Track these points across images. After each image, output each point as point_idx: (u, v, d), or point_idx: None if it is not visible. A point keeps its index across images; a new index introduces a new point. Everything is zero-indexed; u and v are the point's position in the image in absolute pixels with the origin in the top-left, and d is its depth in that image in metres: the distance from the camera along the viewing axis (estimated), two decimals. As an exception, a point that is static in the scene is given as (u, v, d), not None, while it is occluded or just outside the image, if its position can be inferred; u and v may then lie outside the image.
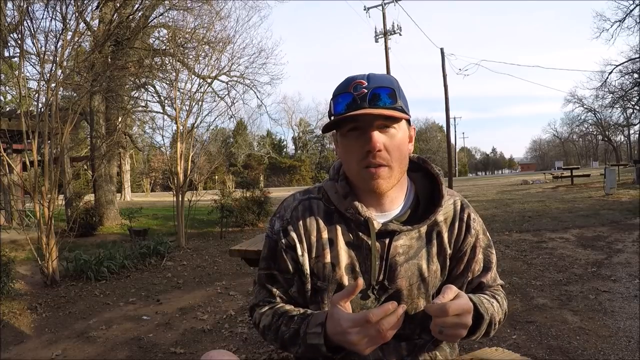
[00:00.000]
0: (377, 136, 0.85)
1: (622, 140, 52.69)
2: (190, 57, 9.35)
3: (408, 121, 0.93)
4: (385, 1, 20.79)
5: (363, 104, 0.85)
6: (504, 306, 0.99)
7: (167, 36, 10.56)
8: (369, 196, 0.94)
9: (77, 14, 5.39)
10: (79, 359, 2.82)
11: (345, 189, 0.96)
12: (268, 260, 1.00)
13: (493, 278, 1.02)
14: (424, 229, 0.97)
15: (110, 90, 8.70)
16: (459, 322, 0.77)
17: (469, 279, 1.00)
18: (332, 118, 0.89)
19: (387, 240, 0.94)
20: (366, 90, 0.85)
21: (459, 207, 1.01)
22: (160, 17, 10.12)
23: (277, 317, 0.94)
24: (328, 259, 0.95)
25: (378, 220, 0.94)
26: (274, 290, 0.99)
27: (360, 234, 0.95)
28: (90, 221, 8.43)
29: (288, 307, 0.97)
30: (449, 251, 0.98)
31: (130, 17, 9.10)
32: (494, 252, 1.03)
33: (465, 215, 1.00)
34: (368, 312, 0.74)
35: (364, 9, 21.37)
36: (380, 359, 0.95)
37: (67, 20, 5.18)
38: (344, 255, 0.95)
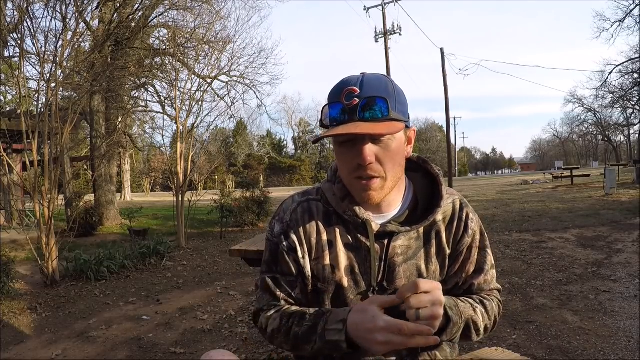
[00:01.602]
0: (369, 149, 0.83)
1: (622, 140, 52.72)
2: (190, 57, 9.35)
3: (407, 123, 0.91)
4: (385, 1, 20.80)
5: (353, 116, 0.82)
6: (494, 311, 0.96)
7: (167, 36, 10.56)
8: None
9: (77, 14, 5.40)
10: (79, 359, 2.82)
11: (342, 192, 0.95)
12: (270, 264, 1.00)
13: (487, 281, 0.99)
14: (422, 229, 0.96)
15: (110, 90, 8.71)
16: (433, 299, 0.77)
17: (462, 279, 0.99)
18: (323, 128, 0.88)
19: (385, 241, 0.93)
20: (357, 100, 0.82)
21: (458, 206, 1.00)
22: (160, 17, 10.12)
23: (286, 319, 0.92)
24: (327, 260, 0.95)
25: (376, 221, 0.94)
26: (278, 293, 0.97)
27: (359, 235, 0.94)
28: (90, 221, 8.43)
29: (294, 308, 0.96)
30: (447, 251, 0.98)
31: (130, 17, 9.10)
32: (490, 254, 1.01)
33: (464, 215, 0.99)
34: (404, 323, 0.75)
35: (364, 9, 21.40)
36: (379, 358, 0.95)
37: (67, 20, 5.18)
38: (343, 257, 0.95)
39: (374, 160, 0.85)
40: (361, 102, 0.83)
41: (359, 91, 0.83)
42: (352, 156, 0.85)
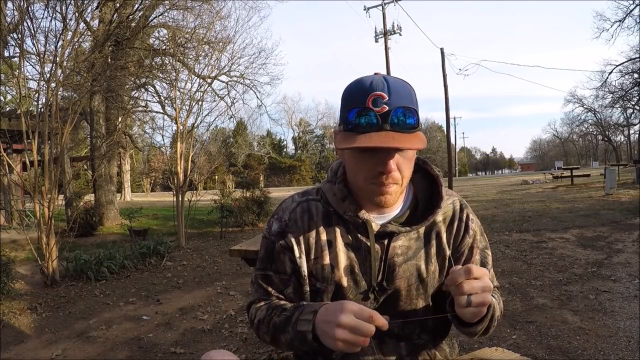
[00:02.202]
0: (393, 160, 0.83)
1: (622, 140, 52.73)
2: (190, 57, 9.35)
3: None
4: (385, 1, 20.78)
5: (384, 125, 0.79)
6: (500, 305, 0.98)
7: (167, 36, 10.56)
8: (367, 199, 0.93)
9: (77, 14, 5.39)
10: (79, 359, 2.82)
11: (343, 192, 0.95)
12: (264, 261, 1.00)
13: (490, 279, 1.01)
14: (422, 229, 0.96)
15: (110, 90, 8.71)
16: (483, 285, 0.76)
17: None
18: (345, 131, 0.84)
19: (385, 242, 0.94)
20: (387, 107, 0.80)
21: (458, 207, 1.00)
22: (160, 17, 10.12)
23: (270, 310, 0.94)
24: (327, 260, 0.95)
25: (377, 221, 0.94)
26: (270, 289, 0.99)
27: (359, 235, 0.95)
28: (90, 221, 8.43)
29: (283, 302, 0.97)
30: (448, 252, 0.98)
31: (130, 17, 9.10)
32: (490, 253, 1.03)
33: (465, 216, 1.00)
34: (372, 310, 0.75)
35: (364, 9, 21.37)
36: (379, 358, 0.95)
37: (67, 20, 5.18)
38: (343, 256, 0.95)
39: (396, 169, 0.84)
40: (393, 111, 0.80)
41: (387, 97, 0.81)
42: (373, 164, 0.84)
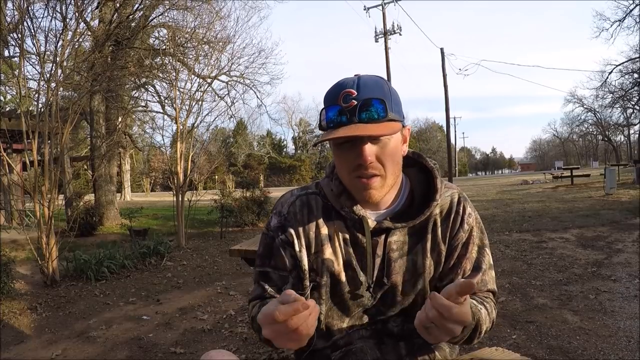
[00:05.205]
0: (369, 149, 0.84)
1: (622, 140, 52.69)
2: (190, 57, 9.34)
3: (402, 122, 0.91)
4: (385, 1, 20.79)
5: (353, 118, 0.83)
6: (493, 315, 0.94)
7: (167, 36, 10.55)
8: None
9: (77, 14, 5.39)
10: (79, 359, 2.82)
11: (339, 188, 0.95)
12: (263, 257, 1.00)
13: (485, 280, 0.96)
14: (419, 224, 0.95)
15: (110, 90, 8.68)
16: (452, 328, 0.69)
17: (459, 277, 0.94)
18: (322, 131, 0.88)
19: (382, 237, 0.93)
20: (355, 102, 0.83)
21: (455, 200, 0.98)
22: (160, 17, 10.10)
23: (260, 306, 0.94)
24: (327, 254, 0.95)
25: (373, 218, 0.94)
26: (267, 287, 0.98)
27: (356, 231, 0.95)
28: (90, 221, 8.43)
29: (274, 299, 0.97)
30: (443, 246, 0.96)
31: (130, 17, 9.10)
32: (488, 253, 0.98)
33: (461, 209, 0.97)
34: (275, 311, 0.66)
35: (364, 9, 21.41)
36: (378, 358, 0.95)
37: (67, 20, 5.18)
38: (342, 252, 0.95)
39: (375, 160, 0.85)
40: (359, 103, 0.83)
41: (356, 93, 0.84)
42: (352, 157, 0.86)
